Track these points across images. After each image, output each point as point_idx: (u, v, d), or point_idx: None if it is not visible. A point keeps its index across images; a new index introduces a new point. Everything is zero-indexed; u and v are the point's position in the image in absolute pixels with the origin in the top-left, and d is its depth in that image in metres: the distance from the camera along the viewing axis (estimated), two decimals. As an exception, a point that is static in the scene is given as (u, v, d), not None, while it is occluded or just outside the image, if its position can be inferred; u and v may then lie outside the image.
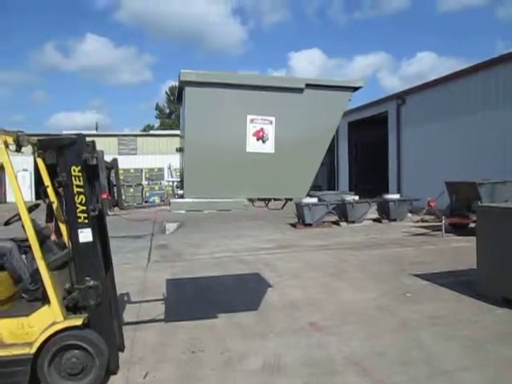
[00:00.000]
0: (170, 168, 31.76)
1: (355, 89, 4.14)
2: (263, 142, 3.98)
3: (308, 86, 3.99)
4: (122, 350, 4.45)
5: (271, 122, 3.97)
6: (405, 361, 4.23)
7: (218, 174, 4.03)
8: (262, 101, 3.96)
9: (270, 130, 3.97)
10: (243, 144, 3.94)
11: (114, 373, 4.02)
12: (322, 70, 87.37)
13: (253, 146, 3.96)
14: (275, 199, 4.52)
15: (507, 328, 5.05)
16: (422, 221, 14.72)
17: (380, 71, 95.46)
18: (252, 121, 3.94)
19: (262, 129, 3.97)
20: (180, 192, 4.20)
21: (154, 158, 32.47)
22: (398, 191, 20.10)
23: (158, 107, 58.00)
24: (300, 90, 3.99)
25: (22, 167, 27.95)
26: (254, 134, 3.96)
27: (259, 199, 4.44)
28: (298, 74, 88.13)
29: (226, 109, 3.92)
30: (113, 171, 4.63)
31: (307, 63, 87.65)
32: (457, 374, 3.94)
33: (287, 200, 4.57)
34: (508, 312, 5.53)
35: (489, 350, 4.43)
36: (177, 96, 4.24)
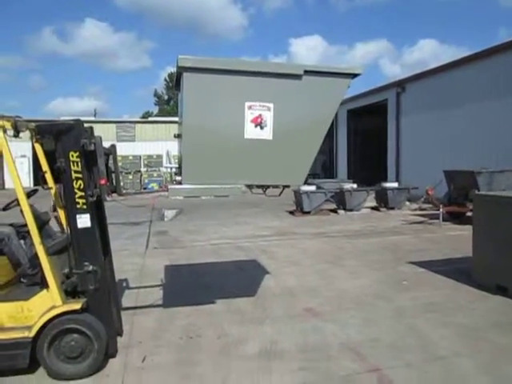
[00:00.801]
0: (168, 154, 31.74)
1: (354, 75, 4.13)
2: (261, 128, 3.97)
3: (306, 72, 3.97)
4: (121, 335, 4.50)
5: (269, 109, 3.96)
6: (400, 347, 4.29)
7: (216, 161, 4.03)
8: (260, 87, 3.94)
9: (268, 117, 3.96)
10: (241, 130, 3.93)
11: (113, 356, 4.07)
12: (323, 56, 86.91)
13: (251, 132, 3.96)
14: (273, 186, 4.54)
15: (501, 315, 5.10)
16: (420, 209, 14.78)
17: (381, 58, 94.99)
18: (250, 107, 3.93)
19: (260, 115, 3.96)
20: (178, 178, 4.21)
21: (152, 144, 32.38)
22: (397, 179, 20.13)
23: (156, 94, 57.76)
24: (299, 77, 3.97)
25: (21, 153, 27.88)
26: (252, 121, 3.95)
27: (257, 186, 4.45)
28: (298, 61, 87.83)
29: (224, 95, 3.91)
30: (111, 157, 4.64)
31: (308, 50, 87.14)
32: (451, 360, 4.00)
33: (285, 187, 4.59)
34: (502, 300, 5.59)
35: (483, 337, 4.49)
36: (175, 82, 4.23)
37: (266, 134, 3.98)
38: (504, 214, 5.85)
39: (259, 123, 3.96)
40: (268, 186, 4.49)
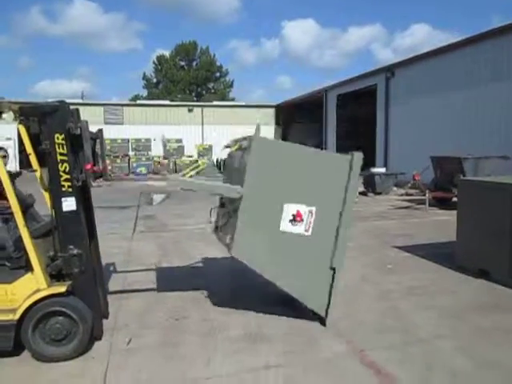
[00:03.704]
0: (163, 139, 31.23)
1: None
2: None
3: None
4: (107, 317, 4.51)
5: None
6: (383, 329, 4.38)
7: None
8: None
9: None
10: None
11: (99, 339, 4.09)
12: (316, 40, 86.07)
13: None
14: None
15: (483, 298, 5.22)
16: (407, 194, 14.93)
17: (374, 43, 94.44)
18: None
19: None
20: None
21: (141, 128, 32.05)
22: (385, 165, 20.25)
23: (145, 77, 56.85)
24: None
25: (6, 136, 27.44)
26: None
27: None
28: (291, 44, 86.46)
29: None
30: (98, 142, 4.59)
31: (301, 33, 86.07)
32: (432, 342, 4.09)
33: None
34: (485, 283, 5.71)
35: (464, 320, 4.59)
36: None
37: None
38: (487, 199, 5.94)
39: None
40: None
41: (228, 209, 4.76)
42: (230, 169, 5.37)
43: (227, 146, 5.06)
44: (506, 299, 5.18)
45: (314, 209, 4.30)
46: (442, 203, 12.58)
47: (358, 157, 4.35)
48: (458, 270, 6.23)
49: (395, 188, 16.01)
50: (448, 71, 17.09)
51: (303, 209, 4.28)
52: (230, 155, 5.27)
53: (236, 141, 4.91)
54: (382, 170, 16.86)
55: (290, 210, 4.27)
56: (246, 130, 9.52)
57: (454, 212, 6.79)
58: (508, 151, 12.78)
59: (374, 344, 4.04)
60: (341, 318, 4.66)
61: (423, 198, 12.36)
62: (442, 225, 9.77)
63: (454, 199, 11.70)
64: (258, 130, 4.34)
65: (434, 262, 6.71)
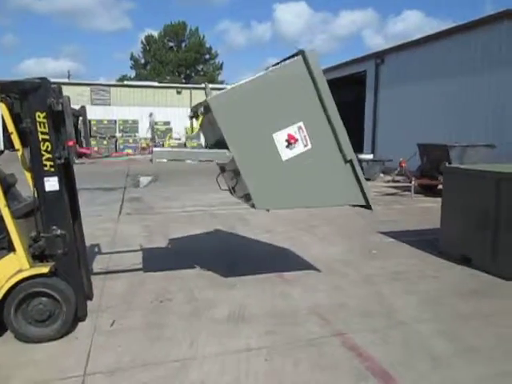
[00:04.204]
0: (151, 121, 30.72)
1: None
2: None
3: None
4: (91, 299, 4.50)
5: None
6: (365, 312, 4.43)
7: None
8: None
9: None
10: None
11: (82, 320, 4.09)
12: (307, 24, 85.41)
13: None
14: None
15: (464, 285, 5.30)
16: (394, 181, 15.02)
17: (366, 29, 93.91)
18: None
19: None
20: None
21: (128, 109, 31.63)
22: (372, 151, 20.30)
23: (133, 57, 55.95)
24: None
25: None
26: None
27: None
28: (283, 28, 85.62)
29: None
30: (81, 119, 4.52)
31: (293, 16, 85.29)
32: (413, 326, 4.15)
33: None
34: (466, 270, 5.80)
35: (445, 305, 4.67)
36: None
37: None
38: (472, 187, 5.99)
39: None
40: None
41: (229, 171, 4.76)
42: (207, 135, 5.25)
43: (191, 117, 4.93)
44: (486, 285, 5.28)
45: (301, 124, 4.34)
46: (428, 190, 12.70)
47: (311, 53, 4.31)
48: (440, 257, 6.32)
49: (382, 175, 16.11)
50: (438, 59, 17.09)
51: (291, 129, 4.32)
52: (201, 125, 5.18)
53: (195, 108, 4.82)
54: (370, 156, 16.92)
55: (280, 138, 4.30)
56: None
57: (439, 199, 6.86)
58: (496, 140, 12.90)
59: (355, 327, 4.09)
60: (323, 299, 4.73)
61: (409, 185, 12.45)
62: (426, 211, 9.88)
63: (440, 187, 11.83)
64: (207, 88, 4.33)
65: (417, 248, 6.79)
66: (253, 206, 4.39)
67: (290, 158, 4.32)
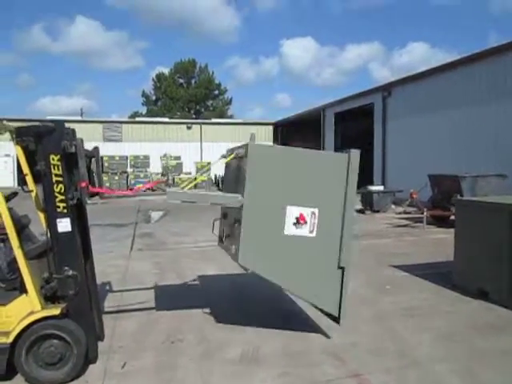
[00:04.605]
0: (165, 156, 31.01)
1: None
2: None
3: None
4: (102, 339, 4.46)
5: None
6: (379, 351, 4.33)
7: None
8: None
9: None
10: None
11: (93, 362, 4.04)
12: (314, 58, 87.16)
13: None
14: None
15: (481, 320, 5.17)
16: (405, 212, 14.91)
17: (372, 61, 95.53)
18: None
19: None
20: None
21: (139, 144, 32.17)
22: (383, 183, 20.29)
23: (144, 94, 57.33)
24: None
25: (5, 153, 27.51)
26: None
27: None
28: (290, 62, 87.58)
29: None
30: (94, 160, 4.60)
31: (300, 51, 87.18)
32: (429, 365, 4.04)
33: None
34: (483, 304, 5.67)
35: (462, 342, 4.55)
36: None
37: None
38: (484, 219, 5.93)
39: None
40: None
41: (231, 219, 4.76)
42: (228, 178, 5.38)
43: (223, 156, 5.04)
44: (504, 320, 5.14)
45: (316, 210, 4.33)
46: (440, 221, 12.57)
47: (355, 154, 4.42)
48: (455, 291, 6.19)
49: (393, 206, 16.02)
50: (445, 90, 17.24)
51: (306, 211, 4.31)
52: (227, 165, 5.27)
53: (232, 150, 4.92)
54: (380, 187, 16.88)
55: (292, 213, 4.29)
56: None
57: (452, 230, 6.79)
58: (505, 169, 12.83)
59: (371, 367, 3.99)
60: (337, 339, 4.62)
61: (421, 216, 12.35)
62: (439, 243, 9.75)
63: (452, 217, 11.72)
64: (252, 137, 4.39)
65: (431, 282, 6.67)
66: (236, 259, 4.34)
67: (292, 235, 4.31)
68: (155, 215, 15.23)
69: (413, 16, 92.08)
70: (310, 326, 4.98)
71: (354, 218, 4.45)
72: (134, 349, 4.45)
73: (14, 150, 26.76)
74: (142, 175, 28.69)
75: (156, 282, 6.96)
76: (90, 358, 3.97)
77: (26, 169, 4.39)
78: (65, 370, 3.74)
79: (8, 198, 3.98)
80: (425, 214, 12.13)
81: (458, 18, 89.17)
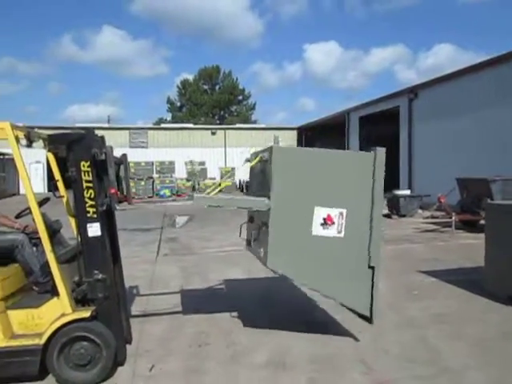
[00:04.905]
0: (191, 162, 31.48)
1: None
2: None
3: None
4: (130, 343, 4.52)
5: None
6: (409, 359, 4.25)
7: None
8: None
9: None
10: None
11: (122, 364, 4.10)
12: (338, 62, 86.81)
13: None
14: None
15: (514, 327, 5.03)
16: (432, 217, 14.63)
17: (397, 64, 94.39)
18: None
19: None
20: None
21: (164, 151, 32.62)
22: (409, 187, 19.99)
23: (169, 100, 58.16)
24: None
25: (36, 159, 28.28)
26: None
27: None
28: (313, 67, 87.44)
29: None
30: (122, 166, 4.69)
31: (323, 55, 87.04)
32: (461, 373, 3.94)
33: None
34: (515, 311, 5.51)
35: (494, 349, 4.43)
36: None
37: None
38: (516, 224, 5.77)
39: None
40: None
41: (258, 222, 4.76)
42: (253, 182, 5.39)
43: (248, 160, 5.06)
44: (538, 328, 4.99)
45: (343, 210, 4.30)
46: (469, 226, 12.29)
47: (381, 151, 4.38)
48: (486, 297, 6.04)
49: (420, 210, 15.75)
50: (474, 92, 16.89)
51: (333, 212, 4.28)
52: (251, 169, 5.28)
53: (256, 154, 4.93)
54: (407, 191, 16.65)
55: (320, 214, 4.27)
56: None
57: (482, 235, 6.63)
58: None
59: (399, 374, 3.93)
60: (366, 346, 4.57)
61: (449, 220, 12.10)
62: (469, 248, 9.53)
63: (482, 222, 11.45)
64: (276, 140, 4.41)
65: (461, 288, 6.52)
66: (265, 262, 4.33)
67: (320, 236, 4.29)
68: (180, 220, 15.38)
69: (438, 17, 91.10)
70: (337, 331, 4.94)
71: (381, 217, 4.39)
72: (161, 352, 4.49)
73: (44, 157, 27.54)
74: (167, 181, 29.05)
75: (182, 286, 7.02)
76: (118, 360, 4.04)
77: (57, 175, 4.53)
78: (94, 372, 3.81)
79: (41, 204, 4.11)
80: (453, 218, 11.87)
81: (486, 17, 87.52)
